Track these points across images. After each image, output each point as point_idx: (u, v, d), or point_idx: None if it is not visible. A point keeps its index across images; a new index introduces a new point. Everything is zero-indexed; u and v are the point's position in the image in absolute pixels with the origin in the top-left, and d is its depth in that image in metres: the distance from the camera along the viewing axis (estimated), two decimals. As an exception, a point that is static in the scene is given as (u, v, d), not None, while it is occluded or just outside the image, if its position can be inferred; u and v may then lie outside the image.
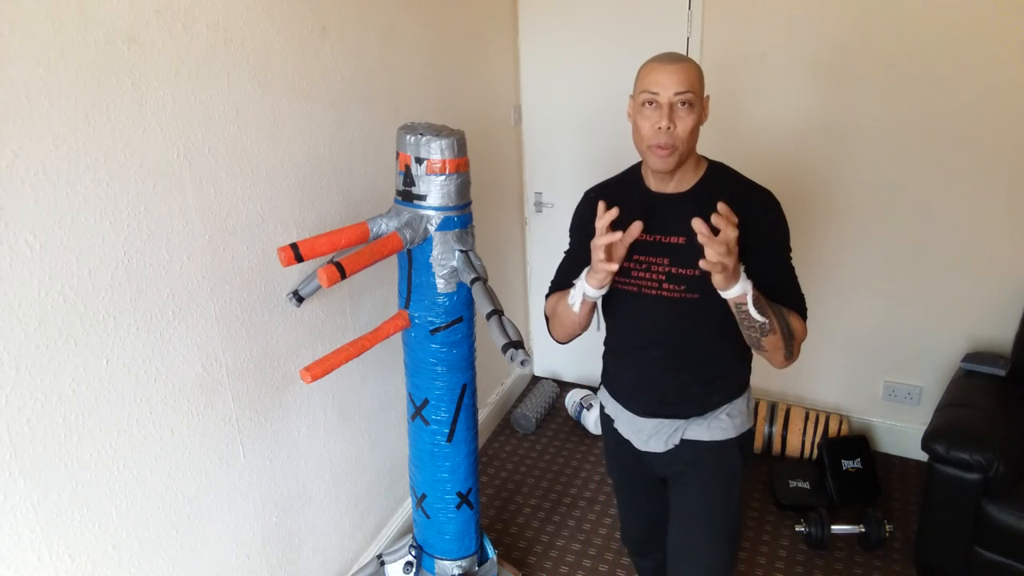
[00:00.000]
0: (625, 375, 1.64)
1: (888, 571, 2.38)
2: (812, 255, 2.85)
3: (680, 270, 1.45)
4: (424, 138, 1.65)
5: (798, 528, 2.51)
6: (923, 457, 2.24)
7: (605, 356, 1.71)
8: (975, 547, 2.13)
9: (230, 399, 1.73)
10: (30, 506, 1.31)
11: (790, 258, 1.50)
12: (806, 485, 2.70)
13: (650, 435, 1.61)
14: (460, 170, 1.69)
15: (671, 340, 1.52)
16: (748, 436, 1.64)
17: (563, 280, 1.65)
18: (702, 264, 1.26)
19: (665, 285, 1.47)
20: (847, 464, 2.69)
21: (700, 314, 1.46)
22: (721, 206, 1.24)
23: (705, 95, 1.43)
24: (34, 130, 1.23)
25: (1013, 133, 2.43)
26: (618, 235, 1.31)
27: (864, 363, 2.93)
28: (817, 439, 2.85)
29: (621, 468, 1.78)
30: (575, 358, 3.56)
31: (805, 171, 2.77)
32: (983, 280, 2.63)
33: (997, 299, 2.62)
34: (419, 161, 1.66)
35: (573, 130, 3.13)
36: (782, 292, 1.46)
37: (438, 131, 1.67)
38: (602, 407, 1.76)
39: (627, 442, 1.67)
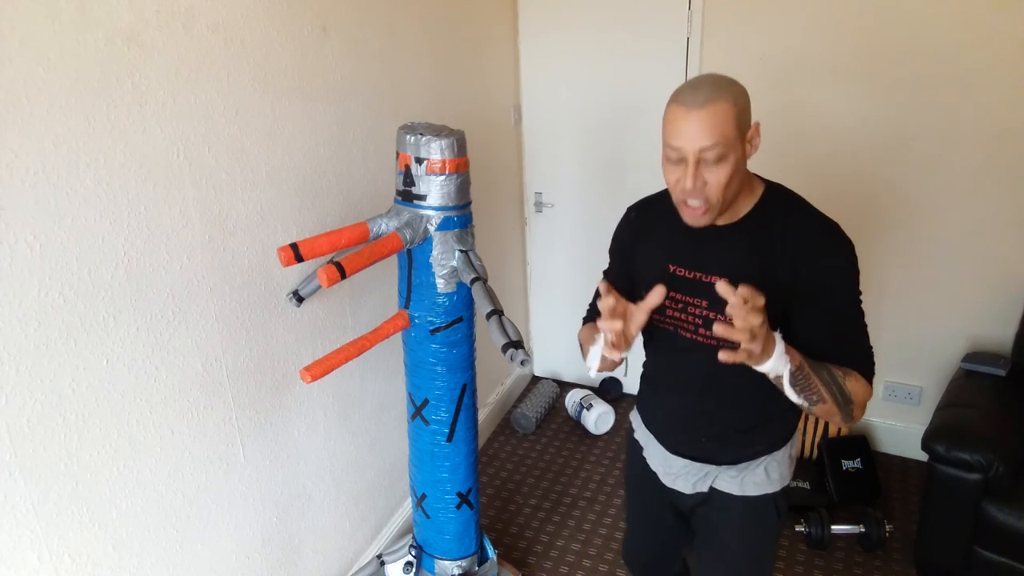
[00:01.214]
0: (659, 408, 1.52)
1: (888, 571, 2.38)
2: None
3: (720, 316, 1.27)
4: (424, 138, 1.65)
5: (798, 528, 2.51)
6: (923, 457, 2.24)
7: (642, 379, 1.58)
8: (975, 547, 2.13)
9: (230, 399, 1.73)
10: (30, 506, 1.31)
11: (858, 303, 1.27)
12: (806, 485, 2.70)
13: (678, 474, 1.49)
14: (460, 170, 1.69)
15: (708, 386, 1.38)
16: (786, 489, 1.46)
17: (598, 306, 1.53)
18: (723, 357, 1.07)
19: (702, 331, 1.32)
20: (847, 464, 2.69)
21: (742, 365, 1.20)
22: (741, 289, 1.02)
23: (754, 122, 1.22)
24: (34, 130, 1.23)
25: (1013, 133, 2.43)
26: (619, 325, 1.13)
27: (864, 363, 2.93)
28: (817, 439, 2.84)
29: (639, 494, 1.66)
30: (575, 358, 3.56)
31: (803, 171, 2.77)
32: (983, 280, 2.63)
33: (997, 299, 2.62)
34: (419, 161, 1.66)
35: (573, 130, 3.13)
36: (841, 347, 1.25)
37: (438, 131, 1.67)
38: (631, 430, 1.64)
39: (653, 473, 1.55)
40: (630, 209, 1.49)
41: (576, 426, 3.29)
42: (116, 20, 1.34)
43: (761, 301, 1.04)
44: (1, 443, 1.24)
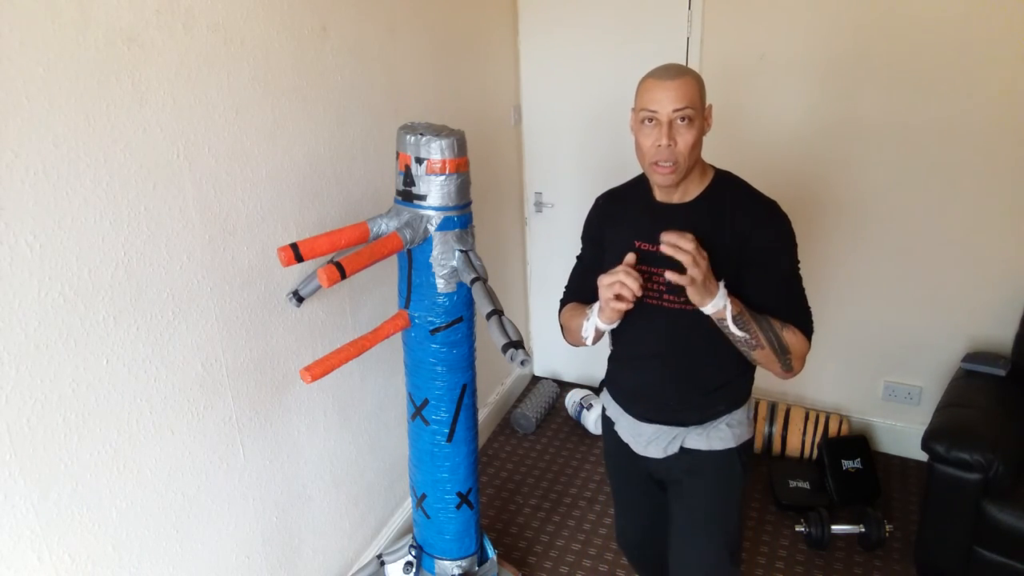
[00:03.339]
0: (627, 380, 1.65)
1: (888, 571, 2.38)
2: (812, 256, 2.85)
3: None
4: (424, 138, 1.65)
5: (798, 528, 2.51)
6: (923, 457, 2.24)
7: (610, 359, 1.72)
8: (975, 547, 2.13)
9: (230, 399, 1.73)
10: (30, 506, 1.31)
11: (797, 270, 1.48)
12: (806, 485, 2.70)
13: (649, 440, 1.62)
14: (460, 170, 1.69)
15: (672, 350, 1.53)
16: (748, 445, 1.63)
17: (576, 287, 1.69)
18: (670, 276, 1.29)
19: (666, 296, 1.48)
20: (847, 464, 2.69)
21: (700, 325, 1.44)
22: (664, 235, 1.29)
23: (707, 104, 1.42)
24: (34, 130, 1.23)
25: (1013, 133, 2.43)
26: (635, 283, 1.35)
27: (864, 363, 2.93)
28: (817, 439, 2.85)
29: (619, 470, 1.79)
30: (575, 358, 3.56)
31: (804, 172, 2.77)
32: (983, 280, 2.63)
33: (997, 299, 2.62)
34: (419, 161, 1.66)
35: (573, 130, 3.13)
36: (782, 307, 1.45)
37: (438, 131, 1.67)
38: (604, 408, 1.77)
39: (626, 445, 1.68)
40: (599, 198, 1.67)
41: (576, 426, 3.29)
42: (116, 20, 1.34)
43: (689, 238, 1.29)
44: (1, 443, 1.24)
